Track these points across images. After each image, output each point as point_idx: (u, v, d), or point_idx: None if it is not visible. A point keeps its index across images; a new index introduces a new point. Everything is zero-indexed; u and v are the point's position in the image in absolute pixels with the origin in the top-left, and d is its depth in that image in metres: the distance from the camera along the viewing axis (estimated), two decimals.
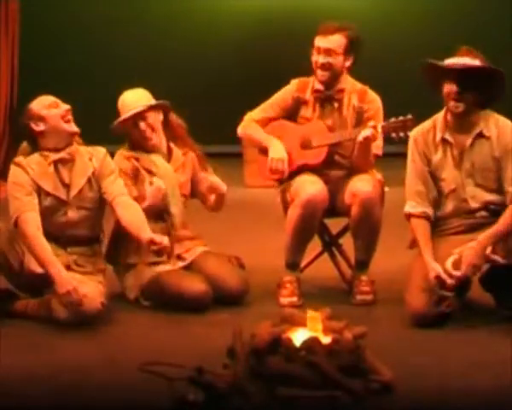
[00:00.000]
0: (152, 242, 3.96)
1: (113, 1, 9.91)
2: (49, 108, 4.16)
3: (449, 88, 4.00)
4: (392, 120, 4.34)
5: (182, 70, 9.19)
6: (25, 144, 4.24)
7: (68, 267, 4.10)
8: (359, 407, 3.02)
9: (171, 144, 4.50)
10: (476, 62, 4.00)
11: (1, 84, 8.73)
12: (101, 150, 4.30)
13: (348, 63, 4.45)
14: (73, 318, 3.95)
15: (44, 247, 4.00)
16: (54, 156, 4.16)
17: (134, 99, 4.42)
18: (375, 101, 4.50)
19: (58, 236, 4.15)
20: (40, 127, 4.15)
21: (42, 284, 4.07)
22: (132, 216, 4.13)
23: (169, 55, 9.62)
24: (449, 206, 4.12)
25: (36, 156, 4.18)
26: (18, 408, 3.12)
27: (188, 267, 4.39)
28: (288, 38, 8.97)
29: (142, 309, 4.25)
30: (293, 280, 4.39)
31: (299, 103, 4.51)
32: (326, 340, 3.18)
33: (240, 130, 4.62)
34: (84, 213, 4.21)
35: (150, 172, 4.39)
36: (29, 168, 4.13)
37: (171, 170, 4.43)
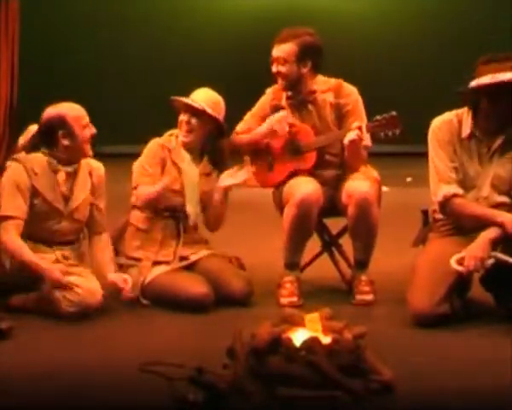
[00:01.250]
0: (113, 283, 4.16)
1: (114, 0, 9.93)
2: (83, 129, 4.14)
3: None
4: (377, 118, 4.34)
5: (182, 70, 9.21)
6: (32, 139, 4.21)
7: (56, 261, 4.14)
8: (359, 407, 3.02)
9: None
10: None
11: (1, 84, 8.74)
12: (101, 167, 4.34)
13: (305, 69, 4.45)
14: (76, 310, 3.99)
15: (23, 250, 4.05)
16: (63, 169, 4.17)
17: (203, 97, 4.41)
18: (351, 94, 4.49)
19: (46, 239, 4.19)
20: (66, 142, 4.13)
21: (35, 279, 4.10)
22: (102, 258, 4.27)
23: (170, 54, 9.63)
24: None
25: (41, 160, 4.16)
26: (18, 408, 3.12)
27: (190, 268, 4.40)
28: None
29: (143, 309, 4.25)
30: (293, 280, 4.39)
31: (276, 111, 4.52)
32: (326, 340, 3.18)
33: (229, 148, 4.62)
34: (76, 225, 4.26)
35: (176, 166, 4.40)
36: (31, 170, 4.12)
37: (195, 171, 4.44)
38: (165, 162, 4.40)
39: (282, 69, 4.44)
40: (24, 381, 3.32)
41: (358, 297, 4.36)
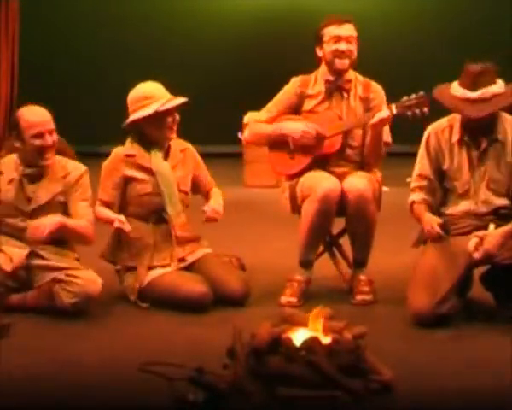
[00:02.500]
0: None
1: (114, 0, 9.93)
2: (33, 138, 4.10)
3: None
4: (405, 98, 4.36)
5: (182, 70, 9.21)
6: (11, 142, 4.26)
7: (29, 254, 4.14)
8: (359, 407, 3.02)
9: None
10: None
11: (1, 84, 8.73)
12: (80, 169, 4.29)
13: (356, 54, 4.50)
14: (77, 302, 4.01)
15: None
16: (25, 170, 4.19)
17: (159, 92, 4.38)
18: (379, 91, 4.54)
19: (17, 236, 4.19)
20: (17, 144, 4.16)
21: (24, 278, 4.14)
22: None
23: (171, 54, 9.63)
24: (460, 206, 4.12)
25: (10, 160, 4.22)
26: (18, 408, 3.12)
27: (189, 269, 4.39)
28: (289, 37, 8.98)
29: (142, 309, 4.24)
30: (301, 280, 4.38)
31: (302, 99, 4.53)
32: (326, 340, 3.18)
33: (246, 133, 4.61)
34: None
35: (145, 170, 4.37)
36: None
37: (168, 168, 4.41)
38: (126, 173, 4.36)
39: (352, 48, 4.46)
40: (24, 381, 3.32)
41: (358, 297, 4.36)
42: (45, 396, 3.21)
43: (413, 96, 4.36)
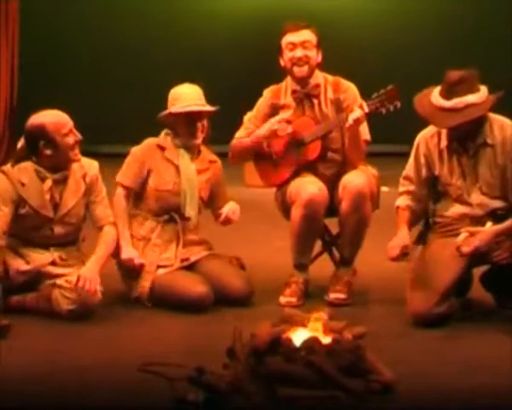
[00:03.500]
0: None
1: (114, 0, 9.93)
2: (64, 137, 4.11)
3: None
4: (375, 95, 4.33)
5: (182, 70, 9.21)
6: (21, 148, 4.21)
7: (53, 263, 4.15)
8: (359, 407, 3.02)
9: (203, 147, 4.51)
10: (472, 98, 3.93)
11: (1, 84, 8.73)
12: (94, 166, 4.30)
13: (319, 58, 4.49)
14: (75, 309, 4.00)
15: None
16: (51, 176, 4.16)
17: (194, 95, 4.41)
18: (349, 89, 4.51)
19: (42, 243, 4.19)
20: (48, 151, 4.11)
21: (32, 281, 4.13)
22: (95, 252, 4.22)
23: (171, 54, 9.62)
24: (456, 210, 4.11)
25: (29, 169, 4.15)
26: (18, 408, 3.12)
27: (190, 268, 4.39)
28: None
29: (143, 309, 4.25)
30: (299, 281, 4.38)
31: (276, 110, 4.53)
32: (326, 340, 3.18)
33: (229, 154, 4.63)
34: (70, 228, 4.25)
35: (172, 165, 4.40)
36: (16, 180, 4.11)
37: (193, 170, 4.43)
38: (153, 163, 4.38)
39: (310, 53, 4.44)
40: (24, 381, 3.32)
41: (332, 296, 4.33)
42: (45, 397, 3.21)
43: (382, 90, 4.33)
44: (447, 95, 3.93)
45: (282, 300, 4.34)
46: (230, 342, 3.23)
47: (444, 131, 4.10)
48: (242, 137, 4.59)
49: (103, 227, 4.29)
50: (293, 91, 4.50)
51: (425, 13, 9.70)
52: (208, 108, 4.40)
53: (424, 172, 4.16)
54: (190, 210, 4.40)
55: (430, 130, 4.17)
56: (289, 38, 4.46)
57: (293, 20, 4.58)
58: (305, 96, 4.49)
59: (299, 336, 3.19)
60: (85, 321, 4.01)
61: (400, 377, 3.19)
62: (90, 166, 4.30)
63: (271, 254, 5.16)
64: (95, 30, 9.74)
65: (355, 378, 3.09)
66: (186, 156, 4.43)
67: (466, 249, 3.86)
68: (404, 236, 4.08)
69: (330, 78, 4.53)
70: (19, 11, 8.91)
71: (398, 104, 4.31)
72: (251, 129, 4.57)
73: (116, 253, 4.36)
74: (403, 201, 4.21)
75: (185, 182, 4.39)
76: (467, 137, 4.05)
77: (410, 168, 4.22)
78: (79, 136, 4.16)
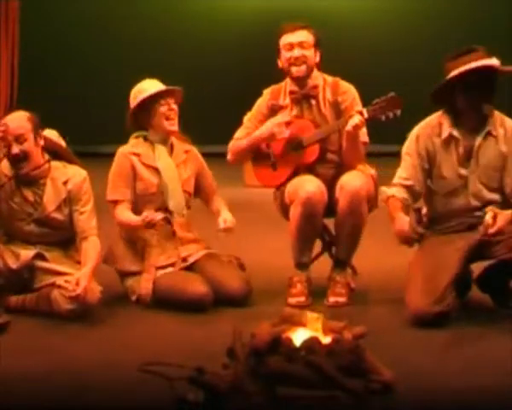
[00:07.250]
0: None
1: (114, 0, 9.94)
2: None
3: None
4: (376, 100, 4.33)
5: (182, 69, 9.22)
6: None
7: (42, 257, 4.15)
8: (359, 406, 3.02)
9: (173, 140, 4.50)
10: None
11: (1, 84, 8.73)
12: (80, 174, 4.27)
13: (317, 58, 4.48)
14: (75, 309, 4.00)
15: None
16: (12, 174, 4.18)
17: (152, 85, 4.42)
18: (348, 91, 4.50)
19: (25, 239, 4.20)
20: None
21: (26, 278, 4.14)
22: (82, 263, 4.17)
23: (171, 54, 9.63)
24: (449, 204, 4.12)
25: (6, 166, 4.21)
26: (18, 408, 3.12)
27: (190, 269, 4.39)
28: None
29: (143, 309, 4.25)
30: (302, 279, 4.38)
31: (274, 110, 4.53)
32: (326, 340, 3.18)
33: (228, 155, 4.63)
34: (48, 230, 4.23)
35: (150, 169, 4.39)
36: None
37: (172, 163, 4.43)
38: (134, 170, 4.38)
39: (307, 53, 4.43)
40: (24, 381, 3.32)
41: (332, 299, 4.33)
42: (45, 397, 3.21)
43: (383, 97, 4.32)
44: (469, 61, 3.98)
45: (292, 300, 4.32)
46: (230, 342, 3.23)
47: (445, 122, 4.10)
48: (241, 137, 4.59)
49: (86, 239, 4.20)
50: (291, 92, 4.51)
51: (425, 13, 9.72)
52: (173, 87, 4.39)
53: (424, 165, 4.14)
54: (174, 204, 4.39)
55: (430, 121, 4.17)
56: (286, 38, 4.46)
57: (293, 21, 4.58)
58: (304, 96, 4.50)
59: (299, 336, 3.19)
60: (85, 321, 4.02)
61: (400, 377, 3.19)
62: (75, 173, 4.27)
63: (271, 254, 5.15)
64: (95, 30, 9.76)
65: (355, 378, 3.09)
66: (162, 150, 4.43)
67: (491, 230, 3.87)
68: (404, 218, 4.02)
69: (329, 79, 4.53)
70: (19, 11, 8.91)
71: (399, 112, 4.30)
72: (250, 129, 4.57)
73: (112, 260, 4.37)
74: (399, 192, 4.16)
75: (165, 175, 4.38)
76: (470, 127, 4.05)
77: (407, 164, 4.19)
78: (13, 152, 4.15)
